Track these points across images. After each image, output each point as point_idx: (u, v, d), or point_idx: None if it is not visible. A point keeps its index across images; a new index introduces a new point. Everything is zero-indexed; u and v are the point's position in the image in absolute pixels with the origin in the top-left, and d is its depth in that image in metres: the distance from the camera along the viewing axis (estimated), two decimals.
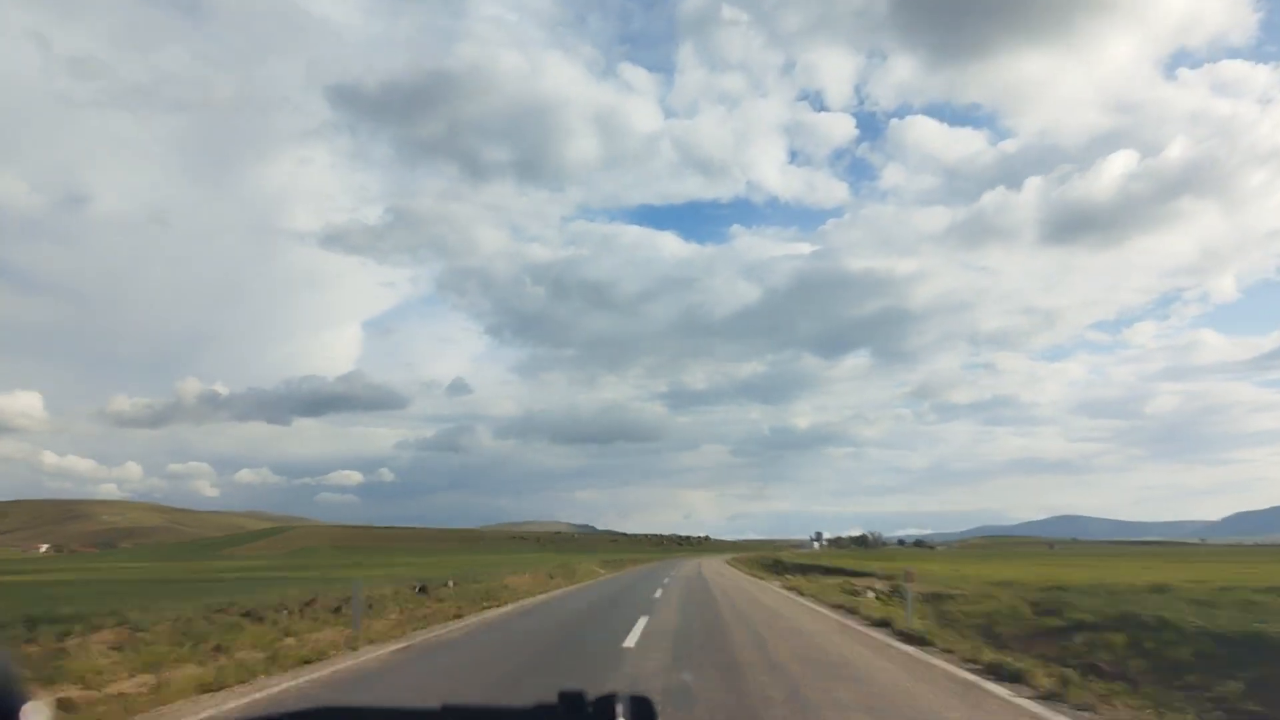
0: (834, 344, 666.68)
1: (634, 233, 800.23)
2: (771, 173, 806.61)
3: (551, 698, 1.27)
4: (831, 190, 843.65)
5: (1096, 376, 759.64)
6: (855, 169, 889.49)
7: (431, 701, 1.39)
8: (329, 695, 8.96)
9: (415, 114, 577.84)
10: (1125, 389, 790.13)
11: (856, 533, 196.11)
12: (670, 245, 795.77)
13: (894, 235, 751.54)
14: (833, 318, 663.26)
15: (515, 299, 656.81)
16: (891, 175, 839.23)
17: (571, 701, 1.26)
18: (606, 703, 1.25)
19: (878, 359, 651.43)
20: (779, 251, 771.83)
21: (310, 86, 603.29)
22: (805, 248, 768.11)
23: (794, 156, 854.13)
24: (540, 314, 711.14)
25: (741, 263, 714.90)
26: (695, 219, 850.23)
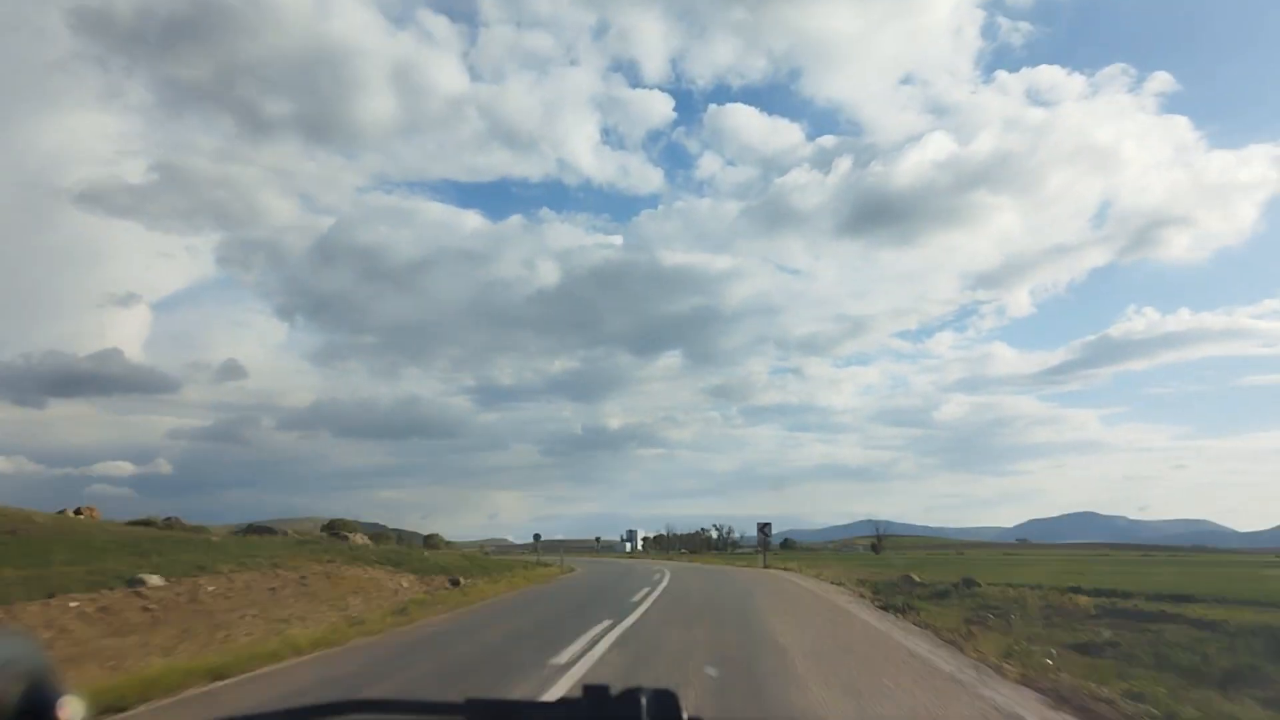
0: (647, 342, 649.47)
1: (437, 210, 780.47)
2: (584, 152, 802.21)
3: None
4: (646, 176, 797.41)
5: (897, 385, 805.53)
6: (672, 155, 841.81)
7: None
8: None
9: (180, 51, 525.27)
10: (923, 399, 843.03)
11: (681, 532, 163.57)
12: (476, 226, 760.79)
13: (709, 230, 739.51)
14: (646, 315, 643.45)
15: (307, 278, 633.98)
16: (709, 164, 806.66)
17: (595, 694, 1.30)
18: (631, 695, 1.28)
19: (689, 360, 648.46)
20: (591, 241, 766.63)
21: (46, 6, 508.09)
22: (618, 239, 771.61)
23: (607, 135, 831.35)
24: (335, 296, 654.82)
25: (552, 251, 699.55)
26: (503, 199, 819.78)
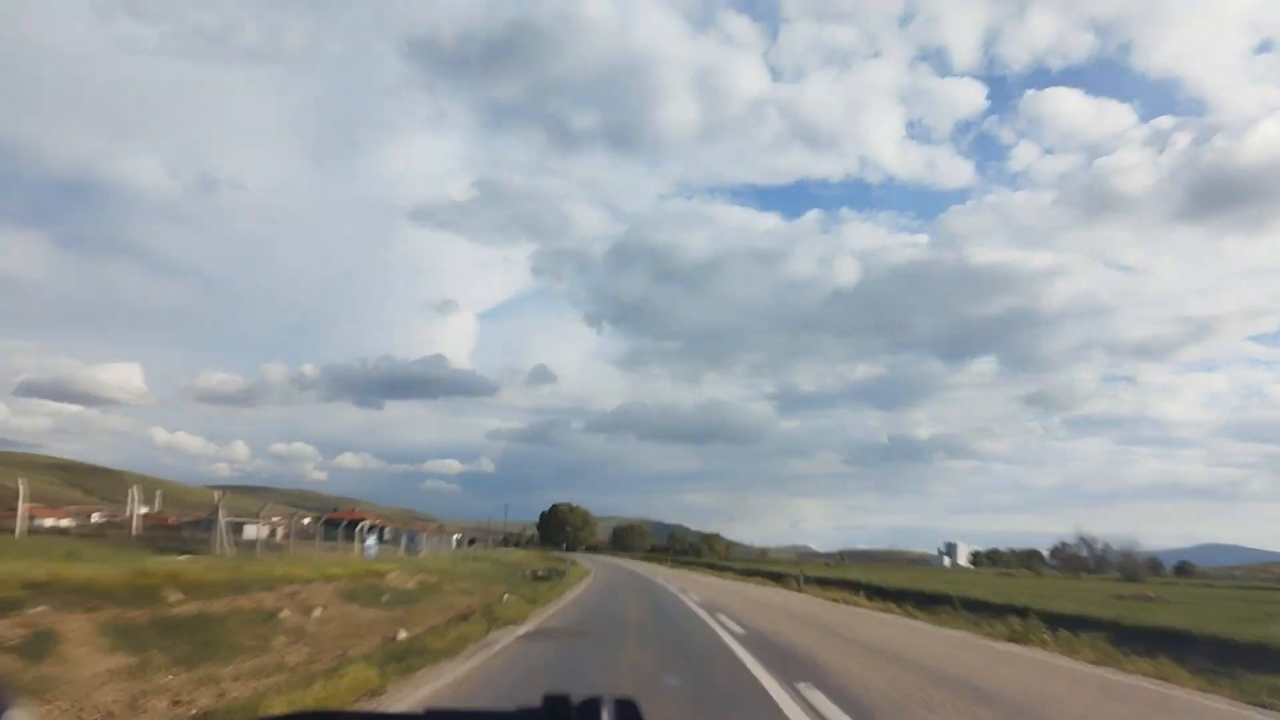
0: (956, 347, 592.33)
1: (737, 215, 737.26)
2: (887, 148, 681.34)
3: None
4: (955, 170, 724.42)
5: (1251, 395, 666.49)
6: (983, 146, 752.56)
7: None
8: None
9: (497, 72, 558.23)
10: None
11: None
12: (774, 228, 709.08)
13: (1025, 225, 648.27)
14: (955, 317, 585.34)
15: (613, 285, 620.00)
16: (1024, 154, 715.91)
17: (555, 704, 1.27)
18: (592, 705, 1.26)
19: (1004, 366, 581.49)
20: (895, 240, 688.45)
21: (381, 37, 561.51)
22: (923, 237, 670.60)
23: (912, 129, 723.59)
24: (639, 302, 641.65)
25: (852, 251, 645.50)
26: (803, 200, 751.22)
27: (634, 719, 1.27)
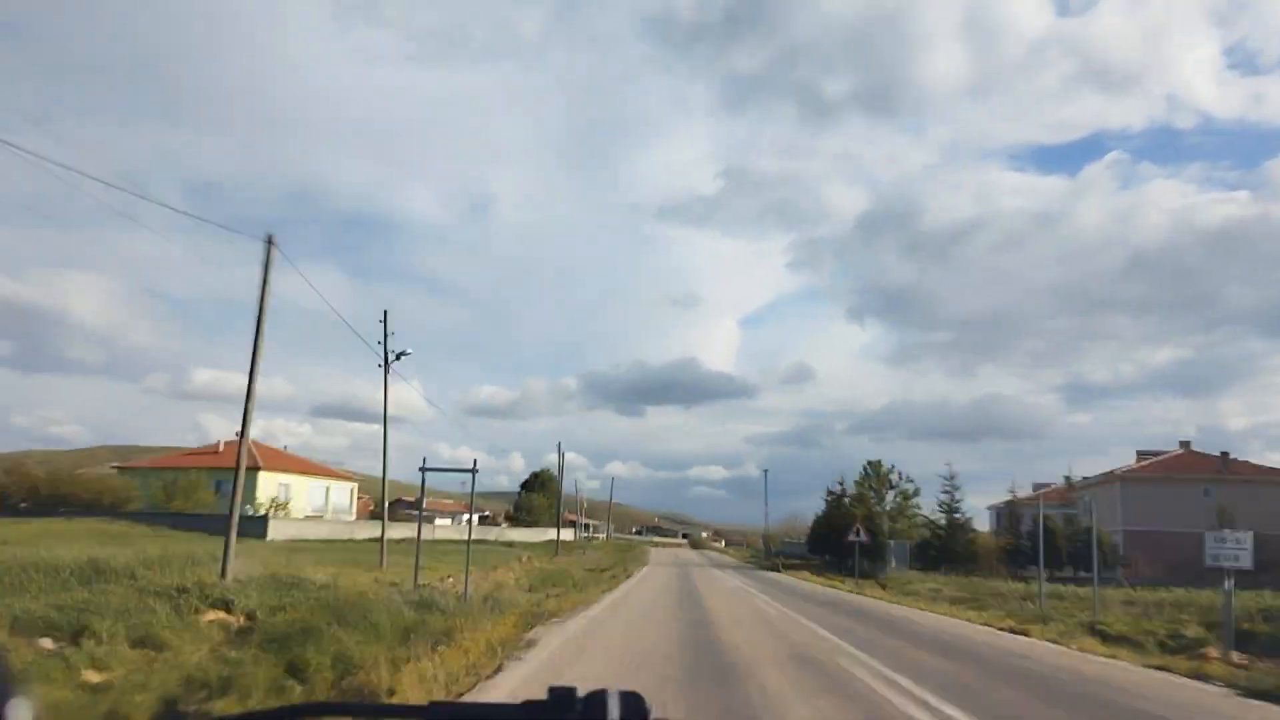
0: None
1: (1016, 181, 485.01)
2: (1200, 83, 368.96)
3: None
4: None
5: None
6: None
7: None
8: None
9: (737, 39, 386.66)
10: None
11: None
12: (1061, 194, 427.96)
13: None
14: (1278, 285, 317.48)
15: (875, 274, 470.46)
16: None
17: (561, 697, 1.27)
18: (598, 698, 1.26)
19: None
20: (1206, 197, 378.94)
21: (618, 17, 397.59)
22: (1243, 192, 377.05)
23: (1232, 55, 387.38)
24: (905, 291, 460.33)
25: (1157, 214, 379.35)
26: (1095, 157, 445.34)
27: (639, 711, 1.28)
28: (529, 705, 1.28)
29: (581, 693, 1.29)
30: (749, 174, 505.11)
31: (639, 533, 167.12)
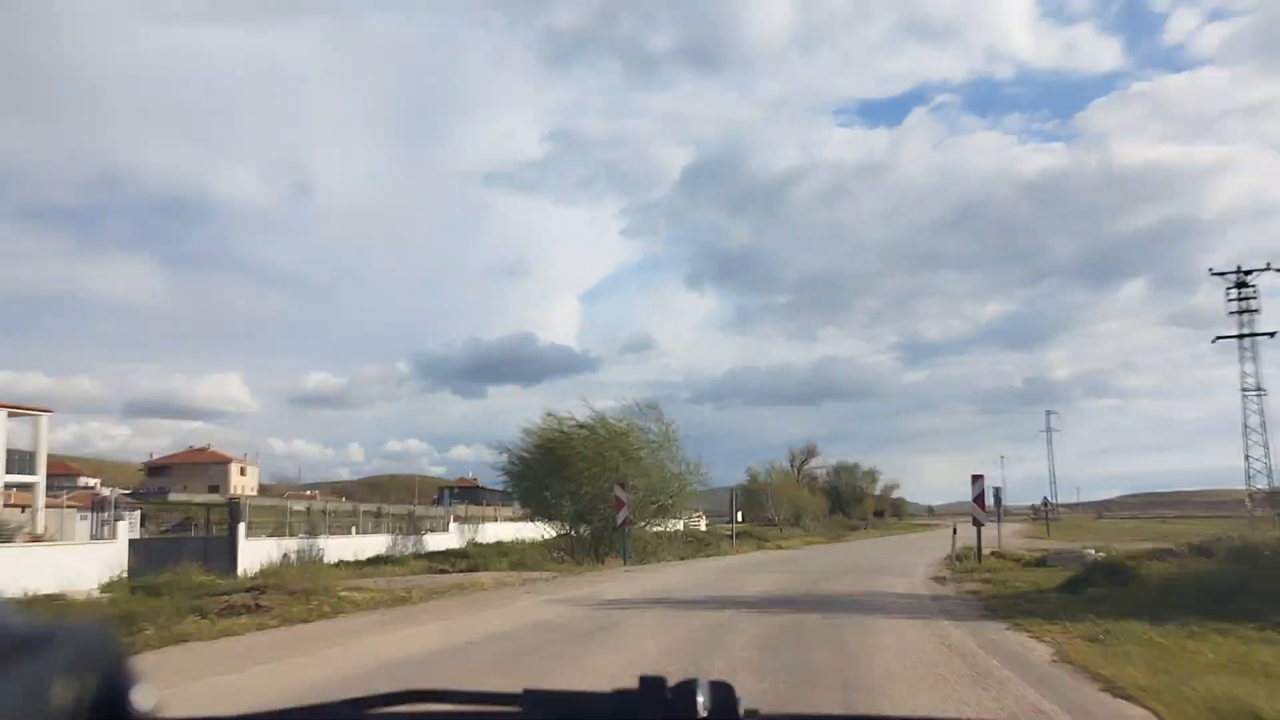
0: (1098, 271, 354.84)
1: (844, 136, 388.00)
2: (1016, 33, 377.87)
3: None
4: (1098, 53, 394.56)
5: None
6: (1131, 16, 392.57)
7: None
8: None
9: None
10: None
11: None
12: (886, 149, 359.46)
13: (1183, 112, 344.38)
14: (1097, 236, 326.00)
15: (710, 237, 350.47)
16: (1183, 22, 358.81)
17: (652, 686, 1.28)
18: (688, 687, 1.27)
19: (1154, 289, 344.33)
20: (1024, 149, 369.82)
21: None
22: (1059, 143, 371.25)
23: (1045, 4, 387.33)
24: (742, 254, 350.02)
25: (978, 167, 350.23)
26: (918, 109, 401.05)
27: (729, 701, 1.28)
28: (620, 694, 1.31)
29: (671, 682, 1.29)
30: (576, 136, 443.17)
31: None
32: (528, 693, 1.33)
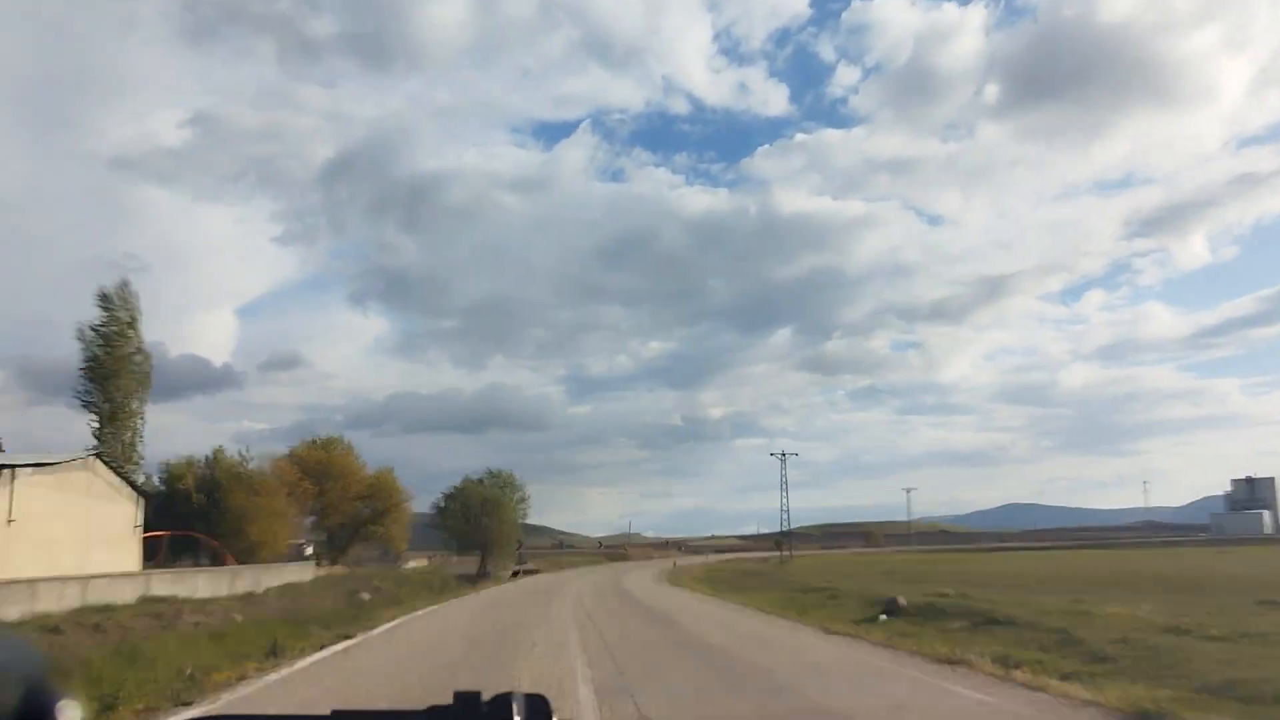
0: (753, 316, 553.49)
1: (516, 157, 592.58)
2: (694, 67, 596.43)
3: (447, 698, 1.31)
4: (768, 98, 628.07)
5: (1029, 358, 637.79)
6: (802, 67, 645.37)
7: None
8: None
9: None
10: (1050, 373, 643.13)
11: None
12: (560, 177, 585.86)
13: (840, 165, 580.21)
14: (755, 281, 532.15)
15: (376, 252, 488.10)
16: (846, 76, 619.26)
17: (467, 701, 1.30)
18: (503, 701, 1.30)
19: (800, 336, 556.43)
20: (695, 189, 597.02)
21: None
22: (724, 188, 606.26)
23: (721, 40, 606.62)
24: (409, 274, 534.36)
25: (648, 204, 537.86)
26: (594, 136, 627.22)
27: (544, 714, 1.30)
28: (434, 710, 1.30)
29: (487, 696, 1.30)
30: (223, 125, 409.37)
31: None
32: (335, 713, 1.34)
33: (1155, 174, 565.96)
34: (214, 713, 4.58)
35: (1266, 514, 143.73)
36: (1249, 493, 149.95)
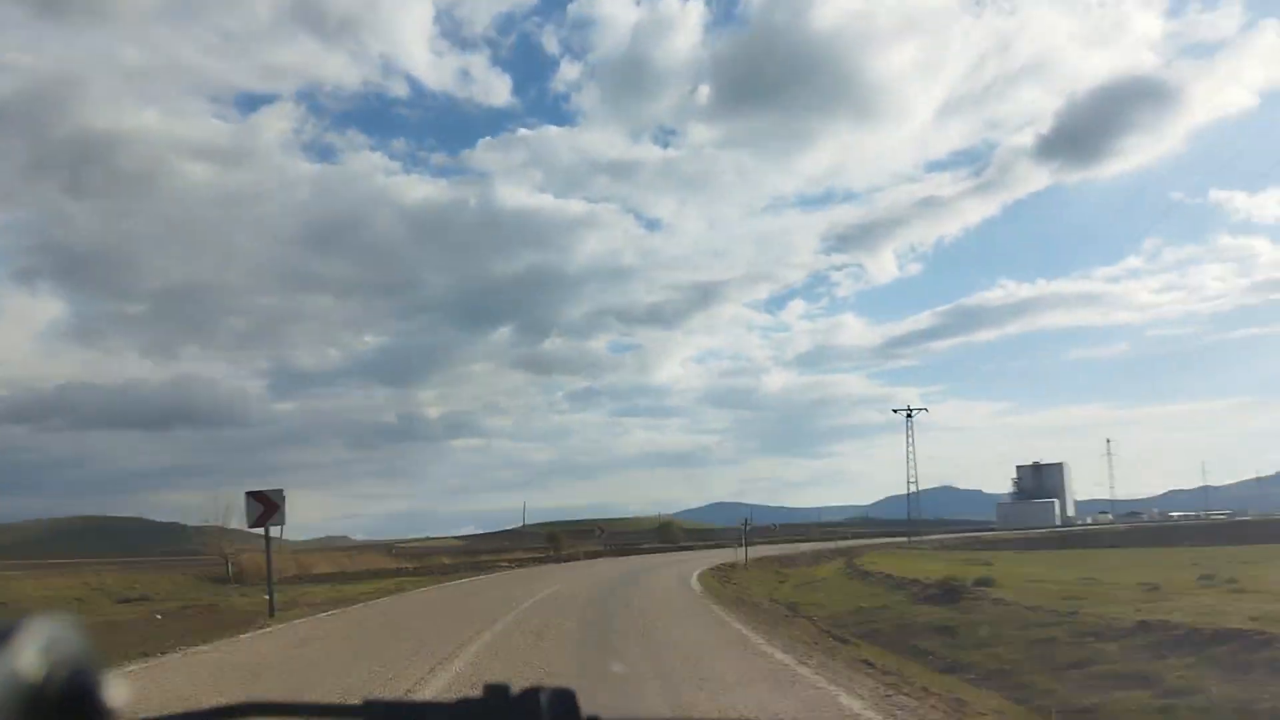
0: (473, 312, 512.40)
1: (215, 130, 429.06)
2: (415, 47, 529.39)
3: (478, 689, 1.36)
4: (491, 87, 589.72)
5: (736, 363, 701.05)
6: (525, 57, 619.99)
7: None
8: None
9: None
10: (755, 377, 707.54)
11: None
12: (265, 156, 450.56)
13: (563, 163, 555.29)
14: (474, 276, 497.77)
15: (49, 225, 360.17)
16: (569, 72, 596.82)
17: (495, 693, 1.30)
18: (531, 695, 1.29)
19: (519, 335, 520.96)
20: (415, 176, 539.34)
21: None
22: (444, 181, 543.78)
23: (443, 23, 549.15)
24: (89, 249, 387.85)
25: (362, 190, 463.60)
26: (311, 112, 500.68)
27: (571, 707, 1.30)
28: (464, 702, 1.30)
29: (515, 689, 1.31)
30: None
31: None
32: (368, 703, 1.31)
33: (854, 189, 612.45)
34: (243, 700, 1.41)
35: (1056, 503, 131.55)
36: (1035, 480, 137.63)
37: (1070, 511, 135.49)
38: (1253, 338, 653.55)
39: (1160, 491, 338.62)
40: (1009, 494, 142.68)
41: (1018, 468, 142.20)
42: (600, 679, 10.36)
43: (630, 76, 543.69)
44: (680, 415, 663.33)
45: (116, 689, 1.06)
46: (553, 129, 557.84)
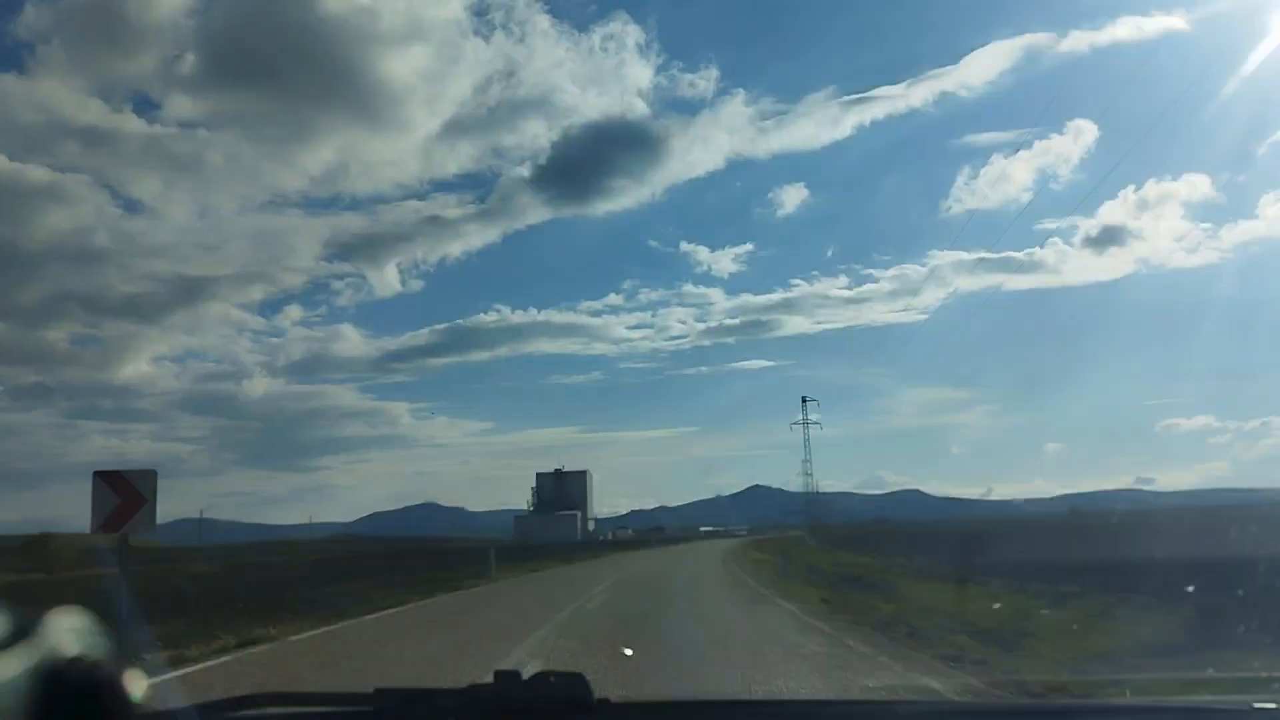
0: None
1: None
2: None
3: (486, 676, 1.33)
4: None
5: (223, 366, 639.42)
6: None
7: None
8: None
9: None
10: (240, 384, 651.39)
11: None
12: None
13: (23, 121, 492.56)
14: None
15: None
16: (36, 14, 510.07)
17: (506, 679, 1.32)
18: (542, 679, 1.33)
19: None
20: None
21: None
22: None
23: None
24: None
25: None
26: None
27: (583, 691, 1.30)
28: (475, 688, 1.33)
29: (526, 674, 1.33)
30: None
31: None
32: (380, 691, 1.36)
33: (359, 197, 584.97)
34: (262, 691, 1.91)
35: (579, 515, 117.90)
36: (557, 490, 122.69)
37: (591, 526, 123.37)
38: (703, 375, 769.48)
39: (625, 511, 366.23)
40: (528, 505, 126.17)
41: (538, 475, 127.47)
42: None
43: (105, 27, 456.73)
44: (150, 420, 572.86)
45: (135, 681, 1.08)
46: (9, 78, 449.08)
